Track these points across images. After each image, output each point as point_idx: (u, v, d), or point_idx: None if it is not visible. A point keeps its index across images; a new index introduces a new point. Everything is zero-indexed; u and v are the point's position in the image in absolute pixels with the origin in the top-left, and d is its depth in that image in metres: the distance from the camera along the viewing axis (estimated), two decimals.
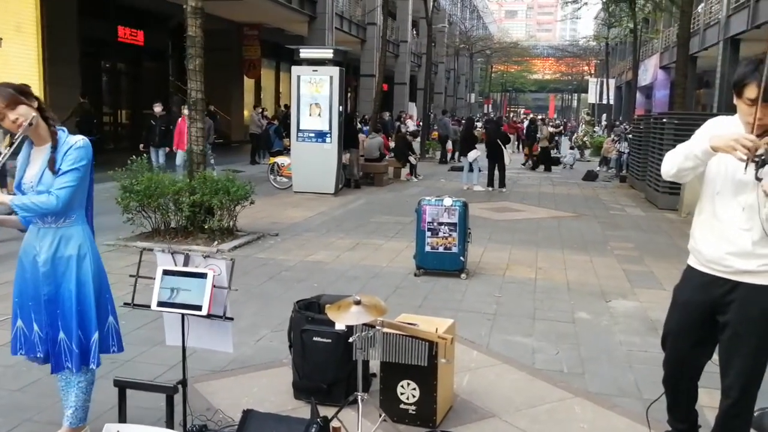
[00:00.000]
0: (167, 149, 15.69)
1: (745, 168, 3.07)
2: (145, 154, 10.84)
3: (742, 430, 3.54)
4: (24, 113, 3.46)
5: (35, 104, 3.53)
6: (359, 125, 24.42)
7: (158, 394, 4.19)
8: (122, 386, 3.38)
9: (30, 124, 3.46)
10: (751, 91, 3.13)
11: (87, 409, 3.78)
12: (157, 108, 15.87)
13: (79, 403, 3.72)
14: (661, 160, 3.68)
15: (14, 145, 3.49)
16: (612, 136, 28.23)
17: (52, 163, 3.47)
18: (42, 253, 3.55)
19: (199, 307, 3.48)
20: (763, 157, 3.02)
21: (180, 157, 15.13)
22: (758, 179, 3.08)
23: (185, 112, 14.20)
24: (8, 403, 4.36)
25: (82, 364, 3.63)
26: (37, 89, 17.28)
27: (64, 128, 3.62)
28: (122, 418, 3.37)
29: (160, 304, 3.58)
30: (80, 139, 3.57)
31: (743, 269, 3.32)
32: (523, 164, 25.90)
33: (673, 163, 3.42)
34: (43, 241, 3.55)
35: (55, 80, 19.43)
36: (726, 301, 3.38)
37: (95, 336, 3.61)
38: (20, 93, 3.49)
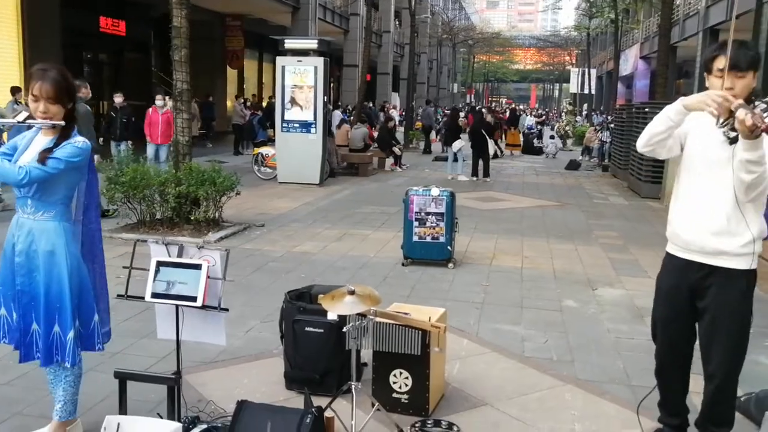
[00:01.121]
0: (130, 143, 14.37)
1: (717, 123, 3.23)
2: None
3: (727, 414, 3.62)
4: (55, 113, 3.48)
5: (69, 105, 3.55)
6: (341, 115, 24.40)
7: (149, 386, 4.20)
8: (123, 378, 3.36)
9: (52, 127, 3.49)
10: (720, 62, 3.32)
11: (76, 403, 3.75)
12: (118, 99, 14.82)
13: (67, 397, 3.69)
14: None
15: (10, 122, 3.54)
16: (594, 125, 28.36)
17: (45, 153, 3.44)
18: (18, 243, 3.53)
19: (193, 298, 3.48)
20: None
21: (151, 149, 14.29)
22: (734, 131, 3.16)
23: (158, 103, 13.93)
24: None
25: (63, 360, 3.59)
26: (18, 80, 17.10)
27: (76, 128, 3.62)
28: (123, 410, 3.36)
29: (154, 295, 3.57)
30: (82, 141, 3.56)
31: (720, 249, 3.41)
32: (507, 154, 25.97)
33: (646, 131, 3.52)
34: (20, 231, 3.53)
35: None
36: (704, 285, 3.48)
37: (71, 334, 3.54)
38: (68, 92, 3.53)
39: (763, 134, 3.00)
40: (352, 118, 22.81)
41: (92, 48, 24.21)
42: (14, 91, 15.01)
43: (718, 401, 3.57)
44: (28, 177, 3.38)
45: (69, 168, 3.48)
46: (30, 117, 3.49)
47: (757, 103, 3.22)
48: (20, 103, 15.15)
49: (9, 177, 3.40)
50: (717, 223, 3.39)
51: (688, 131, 3.50)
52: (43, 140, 3.56)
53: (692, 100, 3.30)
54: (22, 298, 3.54)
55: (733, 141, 3.23)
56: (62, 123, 3.50)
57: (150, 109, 14.53)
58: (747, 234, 3.39)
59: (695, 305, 3.55)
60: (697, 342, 3.64)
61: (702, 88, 3.54)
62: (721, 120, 3.22)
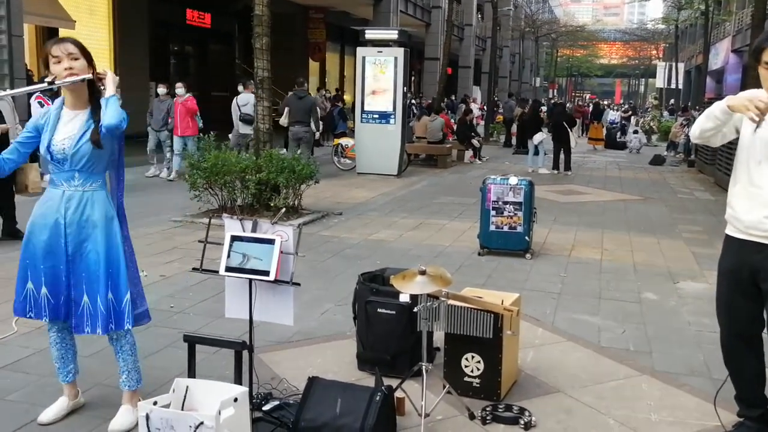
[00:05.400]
0: None
1: (756, 128, 3.25)
2: None
3: None
4: (80, 68, 3.55)
5: (92, 72, 3.61)
6: (416, 109, 24.37)
7: (224, 363, 4.28)
8: (191, 342, 3.43)
9: (82, 80, 3.55)
10: (767, 55, 3.26)
11: (139, 370, 3.85)
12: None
13: (129, 366, 3.79)
14: (731, 144, 3.69)
15: (40, 87, 3.58)
16: (680, 120, 27.56)
17: (95, 136, 3.53)
18: (68, 215, 3.57)
19: (266, 273, 3.51)
20: None
21: (177, 143, 13.75)
22: None
23: (178, 91, 13.78)
24: (80, 368, 4.46)
25: (117, 328, 3.67)
26: (109, 70, 17.65)
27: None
28: (191, 374, 3.42)
29: (228, 269, 3.62)
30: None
31: None
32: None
33: (697, 124, 3.58)
34: (69, 203, 3.57)
35: (126, 63, 19.86)
36: (765, 266, 3.42)
37: (127, 297, 3.65)
38: (88, 54, 3.62)
39: None
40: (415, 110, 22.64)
41: (178, 40, 24.79)
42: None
43: None
44: (125, 123, 3.54)
45: (122, 129, 3.58)
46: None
47: None
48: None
49: (123, 119, 3.51)
50: None
51: (744, 116, 3.42)
52: (75, 115, 3.60)
53: (736, 101, 3.26)
54: (73, 269, 3.61)
55: None
56: (89, 75, 3.57)
57: (174, 100, 13.99)
58: None
59: (759, 287, 3.49)
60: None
61: None
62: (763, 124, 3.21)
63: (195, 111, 13.70)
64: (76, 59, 3.54)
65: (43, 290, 3.62)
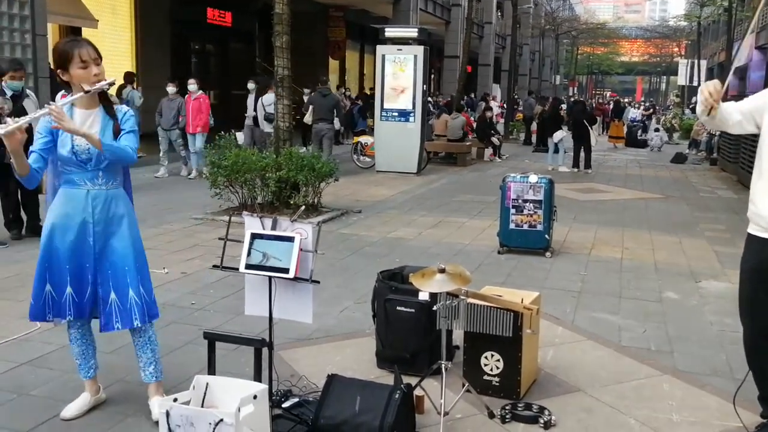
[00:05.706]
0: None
1: (708, 113, 3.42)
2: None
3: None
4: (102, 72, 3.60)
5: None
6: (432, 108, 24.30)
7: (245, 361, 4.29)
8: (211, 339, 3.44)
9: (110, 84, 3.62)
10: None
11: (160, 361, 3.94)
12: None
13: (157, 356, 3.86)
14: (754, 141, 3.66)
15: (76, 97, 3.57)
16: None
17: (117, 131, 3.62)
18: (96, 213, 3.61)
19: (285, 270, 3.52)
20: None
21: (192, 141, 13.62)
22: None
23: (190, 87, 13.66)
24: (102, 364, 4.49)
25: (152, 319, 3.77)
26: (131, 69, 17.79)
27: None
28: (211, 370, 3.44)
29: (248, 266, 3.63)
30: (128, 109, 3.76)
31: None
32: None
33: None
34: (95, 202, 3.61)
35: (147, 61, 19.98)
36: None
37: (152, 288, 3.80)
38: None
39: None
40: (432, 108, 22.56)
41: (199, 39, 24.87)
42: (130, 78, 15.74)
43: None
44: (135, 156, 3.64)
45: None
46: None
47: None
48: (135, 89, 15.84)
49: (126, 157, 3.60)
50: None
51: (765, 108, 3.38)
52: (89, 115, 3.62)
53: (702, 86, 3.41)
54: (100, 266, 3.65)
55: None
56: (114, 79, 3.69)
57: (186, 97, 13.81)
58: None
59: None
60: None
61: None
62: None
63: (207, 111, 13.64)
64: (98, 64, 3.58)
65: (68, 290, 3.64)
